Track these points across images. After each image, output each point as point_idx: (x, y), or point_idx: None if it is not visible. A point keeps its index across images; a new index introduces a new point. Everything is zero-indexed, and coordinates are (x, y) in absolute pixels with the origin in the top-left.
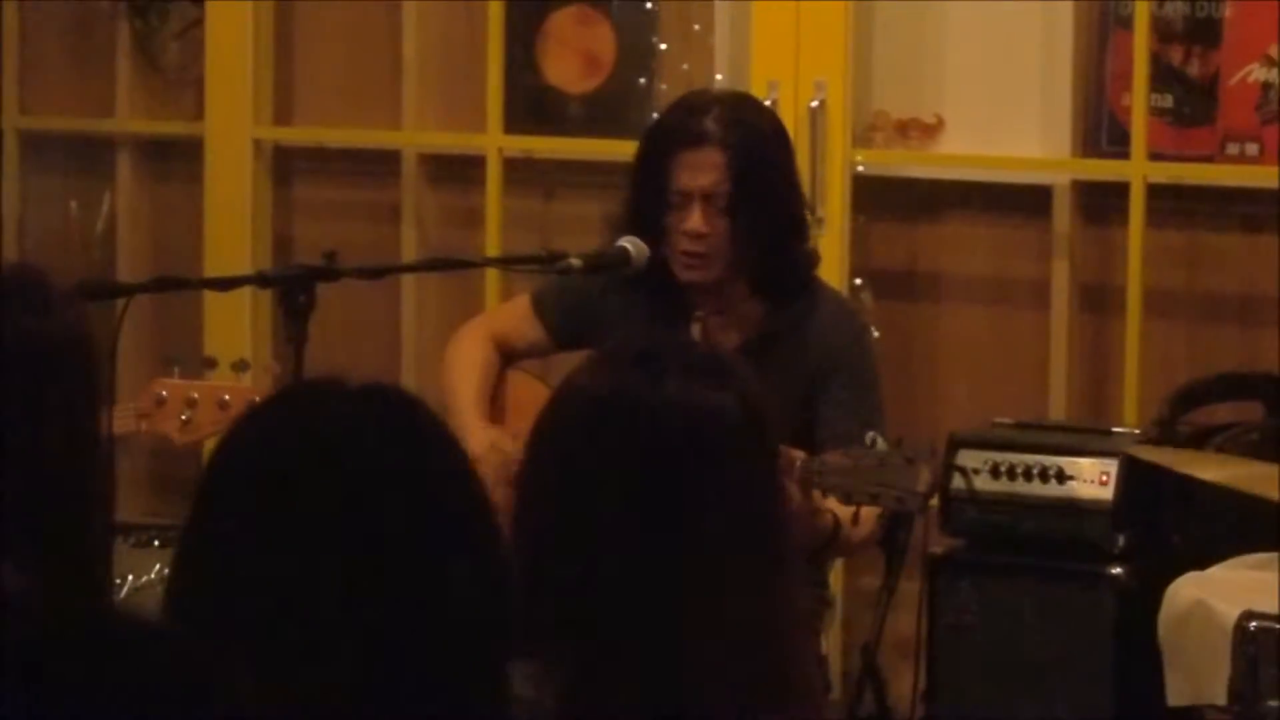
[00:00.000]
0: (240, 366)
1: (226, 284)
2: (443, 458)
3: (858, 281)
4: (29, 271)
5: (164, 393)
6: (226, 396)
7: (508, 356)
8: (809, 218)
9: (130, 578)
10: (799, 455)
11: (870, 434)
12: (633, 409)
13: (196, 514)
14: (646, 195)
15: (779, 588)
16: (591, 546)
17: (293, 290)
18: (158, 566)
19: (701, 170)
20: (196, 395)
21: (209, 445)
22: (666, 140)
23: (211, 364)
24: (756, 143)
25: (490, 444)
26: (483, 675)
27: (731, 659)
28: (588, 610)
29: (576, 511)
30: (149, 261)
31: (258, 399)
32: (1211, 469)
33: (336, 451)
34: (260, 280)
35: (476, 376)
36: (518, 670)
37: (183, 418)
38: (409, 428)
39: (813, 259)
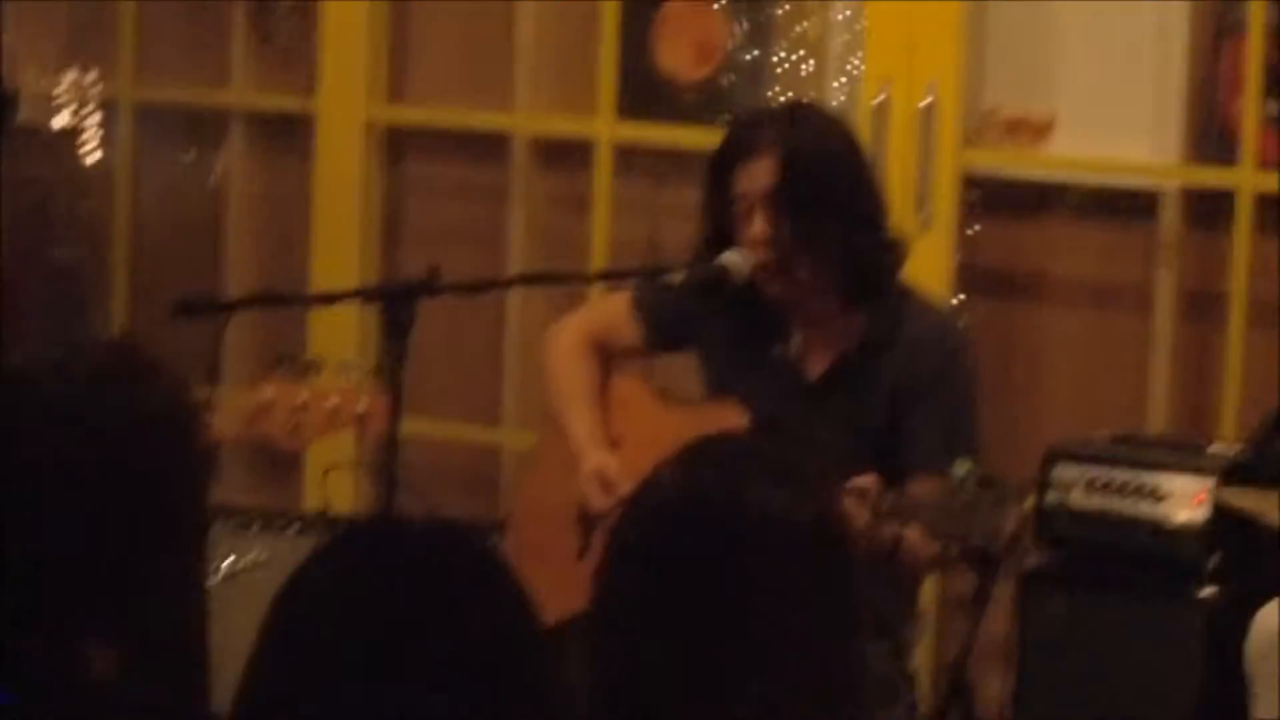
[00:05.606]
0: (344, 369)
1: (327, 300)
2: (502, 613)
3: (960, 297)
4: (137, 355)
5: (271, 395)
6: (336, 400)
7: (606, 358)
8: (915, 216)
9: (233, 557)
10: (871, 482)
11: (960, 463)
12: (708, 512)
13: (263, 645)
14: (716, 211)
15: (845, 693)
16: (662, 641)
17: (394, 306)
18: (255, 550)
19: (759, 175)
20: (305, 400)
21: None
22: (728, 155)
23: (317, 367)
24: (811, 140)
25: (597, 472)
26: None
27: None
28: (658, 698)
29: (651, 607)
30: (257, 237)
31: (362, 406)
32: None
33: (390, 606)
34: (362, 296)
35: (586, 392)
36: None
37: (291, 423)
38: (467, 583)
39: (896, 257)
